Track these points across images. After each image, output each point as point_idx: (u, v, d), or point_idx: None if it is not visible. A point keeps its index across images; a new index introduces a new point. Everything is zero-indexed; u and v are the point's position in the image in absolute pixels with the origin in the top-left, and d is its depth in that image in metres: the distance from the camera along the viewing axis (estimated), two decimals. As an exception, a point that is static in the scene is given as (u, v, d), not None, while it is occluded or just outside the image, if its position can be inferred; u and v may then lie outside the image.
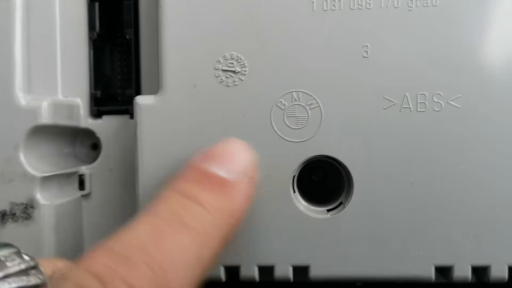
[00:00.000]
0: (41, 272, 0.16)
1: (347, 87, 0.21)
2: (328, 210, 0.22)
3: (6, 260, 0.15)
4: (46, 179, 0.23)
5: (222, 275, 0.21)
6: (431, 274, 0.21)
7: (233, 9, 0.21)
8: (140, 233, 0.16)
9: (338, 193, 0.22)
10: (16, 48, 0.22)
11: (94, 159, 0.26)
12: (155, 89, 0.23)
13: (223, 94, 0.21)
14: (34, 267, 0.16)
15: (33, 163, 0.23)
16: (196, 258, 0.16)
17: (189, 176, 0.18)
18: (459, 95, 0.20)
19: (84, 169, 0.25)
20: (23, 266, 0.15)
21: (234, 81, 0.21)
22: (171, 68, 0.21)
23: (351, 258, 0.21)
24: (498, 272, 0.21)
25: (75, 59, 0.25)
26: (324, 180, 0.24)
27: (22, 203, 0.22)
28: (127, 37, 0.24)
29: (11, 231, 0.22)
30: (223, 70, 0.21)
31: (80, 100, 0.25)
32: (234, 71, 0.21)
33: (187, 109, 0.21)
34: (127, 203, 0.25)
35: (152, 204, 0.17)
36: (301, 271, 0.21)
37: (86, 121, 0.24)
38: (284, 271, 0.21)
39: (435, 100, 0.21)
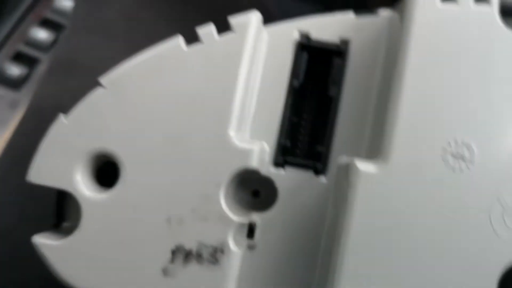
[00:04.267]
0: None
1: None
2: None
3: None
4: (239, 225, 0.21)
5: None
6: None
7: (471, 94, 0.21)
8: None
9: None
10: (238, 87, 0.21)
11: (253, 207, 0.25)
12: (347, 150, 0.22)
13: (447, 178, 0.21)
14: None
15: (229, 205, 0.21)
16: None
17: None
18: None
19: (255, 217, 0.23)
20: None
21: (461, 168, 0.21)
22: (400, 140, 0.21)
23: None
24: None
25: (270, 104, 0.24)
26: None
27: (212, 246, 0.21)
28: (330, 93, 0.24)
29: (193, 272, 0.21)
30: (452, 155, 0.21)
31: (267, 146, 0.24)
32: (463, 157, 0.21)
33: (407, 185, 0.21)
34: (292, 262, 0.23)
35: None
36: None
37: (268, 169, 0.23)
38: None
39: None
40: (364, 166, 0.21)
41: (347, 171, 0.21)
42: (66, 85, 0.37)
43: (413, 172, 0.21)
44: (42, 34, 0.50)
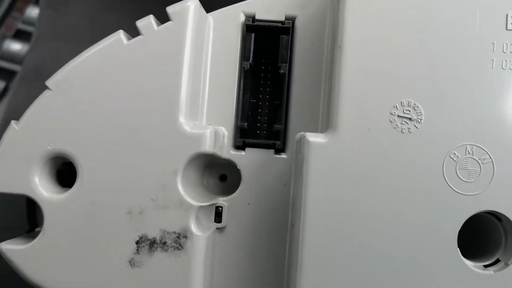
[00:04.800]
0: None
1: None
2: (485, 266, 0.22)
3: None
4: (200, 209, 0.22)
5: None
6: None
7: (415, 57, 0.21)
8: None
9: (493, 249, 0.22)
10: (184, 73, 0.22)
11: (223, 190, 0.25)
12: (305, 126, 0.23)
13: (396, 140, 0.21)
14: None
15: (189, 191, 0.22)
16: None
17: None
18: None
19: (221, 201, 0.24)
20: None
21: (409, 128, 0.21)
22: (346, 109, 0.21)
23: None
24: None
25: (223, 88, 0.24)
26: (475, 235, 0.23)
27: (175, 232, 0.21)
28: (281, 71, 0.24)
29: (160, 260, 0.21)
30: (399, 116, 0.21)
31: (225, 129, 0.24)
32: (410, 118, 0.21)
33: (358, 152, 0.21)
34: (263, 240, 0.24)
35: None
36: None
37: (228, 152, 0.24)
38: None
39: None
40: (314, 138, 0.21)
41: (300, 145, 0.21)
42: (37, 93, 0.37)
43: (362, 138, 0.21)
44: (16, 46, 0.50)
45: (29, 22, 0.48)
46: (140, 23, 0.22)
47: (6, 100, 0.40)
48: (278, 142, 0.24)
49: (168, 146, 0.21)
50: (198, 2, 0.22)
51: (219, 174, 0.26)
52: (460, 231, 0.21)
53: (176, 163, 0.21)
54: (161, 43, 0.21)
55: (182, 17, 0.22)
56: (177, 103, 0.21)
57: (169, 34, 0.21)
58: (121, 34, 0.22)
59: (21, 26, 0.48)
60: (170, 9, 0.22)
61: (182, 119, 0.21)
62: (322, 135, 0.21)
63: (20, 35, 0.48)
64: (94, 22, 0.40)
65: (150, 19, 0.22)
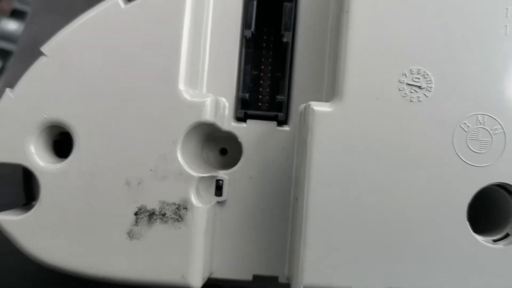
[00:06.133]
0: None
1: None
2: (494, 241, 0.21)
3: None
4: (200, 181, 0.21)
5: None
6: None
7: (425, 22, 0.20)
8: None
9: (502, 223, 0.21)
10: (183, 39, 0.21)
11: (223, 164, 0.24)
12: (309, 98, 0.22)
13: (405, 109, 0.20)
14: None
15: (188, 162, 0.21)
16: None
17: None
18: None
19: (222, 174, 0.23)
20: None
21: (419, 97, 0.20)
22: (353, 76, 0.20)
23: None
24: None
25: (224, 57, 0.23)
26: (484, 210, 0.23)
27: (174, 204, 0.21)
28: (284, 40, 0.23)
29: (159, 232, 0.21)
30: (408, 84, 0.20)
31: (226, 100, 0.23)
32: (419, 87, 0.20)
33: (365, 121, 0.20)
34: (265, 214, 0.23)
35: None
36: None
37: (229, 124, 0.23)
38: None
39: None
40: (319, 107, 0.20)
41: (305, 115, 0.21)
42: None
43: (369, 106, 0.20)
44: (12, 26, 0.49)
45: (25, 1, 0.47)
46: (139, -14, 0.21)
47: (2, 78, 0.40)
48: (280, 114, 0.23)
49: (168, 114, 0.20)
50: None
51: (220, 148, 0.25)
52: (469, 205, 0.20)
53: (176, 132, 0.21)
54: (160, 7, 0.21)
55: (181, -20, 0.21)
56: (176, 70, 0.21)
57: (169, -3, 0.21)
58: (118, -2, 0.21)
59: (17, 5, 0.47)
60: (169, -28, 0.21)
61: (181, 87, 0.21)
62: (328, 104, 0.20)
63: (16, 14, 0.47)
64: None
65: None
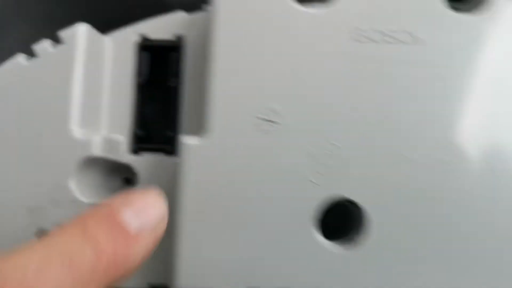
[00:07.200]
0: None
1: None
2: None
3: None
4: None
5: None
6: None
7: (277, 70, 0.24)
8: (28, 259, 0.15)
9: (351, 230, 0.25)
10: (74, 87, 0.25)
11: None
12: (194, 132, 0.26)
13: (261, 140, 0.24)
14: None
15: (85, 190, 0.25)
16: None
17: (101, 216, 0.18)
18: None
19: (120, 201, 0.27)
20: None
21: (272, 130, 0.24)
22: (217, 112, 0.24)
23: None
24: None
25: (121, 100, 0.27)
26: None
27: (68, 226, 0.24)
28: (171, 84, 0.27)
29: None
30: (263, 120, 0.24)
31: (123, 137, 0.27)
32: (272, 121, 0.24)
33: (228, 152, 0.24)
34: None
35: (56, 232, 0.17)
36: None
37: (126, 156, 0.27)
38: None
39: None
40: (189, 140, 0.24)
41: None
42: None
43: (231, 140, 0.24)
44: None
45: None
46: (37, 47, 0.25)
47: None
48: (169, 146, 0.27)
49: (61, 151, 0.24)
50: (89, 26, 0.26)
51: (122, 177, 0.29)
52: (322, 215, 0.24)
53: (68, 166, 0.24)
54: (55, 63, 0.25)
55: (71, 40, 0.25)
56: (67, 113, 0.25)
57: (61, 55, 0.25)
58: (20, 57, 0.25)
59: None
60: (62, 33, 0.25)
61: (73, 127, 0.25)
62: (197, 138, 0.24)
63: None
64: (29, 47, 0.42)
65: (46, 43, 0.25)
